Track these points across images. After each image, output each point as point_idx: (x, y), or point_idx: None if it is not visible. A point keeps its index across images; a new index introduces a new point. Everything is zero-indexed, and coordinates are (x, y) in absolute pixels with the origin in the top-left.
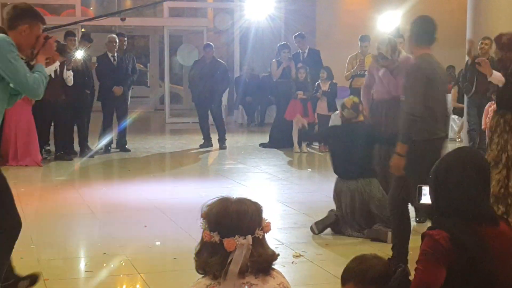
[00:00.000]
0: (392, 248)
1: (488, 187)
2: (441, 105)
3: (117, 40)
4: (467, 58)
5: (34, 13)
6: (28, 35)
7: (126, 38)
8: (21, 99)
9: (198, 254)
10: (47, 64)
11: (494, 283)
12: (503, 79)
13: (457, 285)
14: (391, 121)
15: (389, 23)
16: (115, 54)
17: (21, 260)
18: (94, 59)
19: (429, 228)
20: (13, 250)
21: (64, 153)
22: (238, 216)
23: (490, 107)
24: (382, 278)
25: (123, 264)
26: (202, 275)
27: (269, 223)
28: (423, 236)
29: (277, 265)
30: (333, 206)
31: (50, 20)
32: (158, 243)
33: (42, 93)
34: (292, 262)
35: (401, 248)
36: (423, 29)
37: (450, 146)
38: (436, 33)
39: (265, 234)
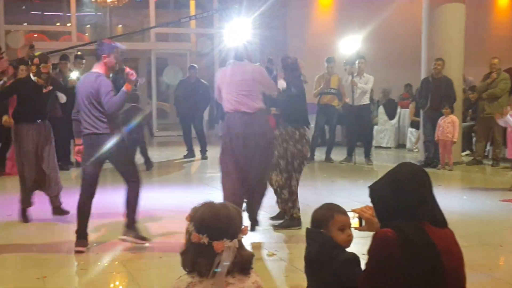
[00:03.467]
0: None
1: (431, 193)
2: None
3: None
4: (422, 76)
5: None
6: None
7: None
8: None
9: (184, 253)
10: (3, 74)
11: (442, 280)
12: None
13: (405, 284)
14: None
15: (350, 46)
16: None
17: (23, 259)
18: None
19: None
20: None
21: (62, 163)
22: (228, 221)
23: (441, 121)
24: None
25: (116, 263)
26: (185, 273)
27: (246, 226)
28: (372, 238)
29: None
30: (306, 210)
31: (50, 45)
32: (147, 244)
33: None
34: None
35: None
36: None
37: (408, 156)
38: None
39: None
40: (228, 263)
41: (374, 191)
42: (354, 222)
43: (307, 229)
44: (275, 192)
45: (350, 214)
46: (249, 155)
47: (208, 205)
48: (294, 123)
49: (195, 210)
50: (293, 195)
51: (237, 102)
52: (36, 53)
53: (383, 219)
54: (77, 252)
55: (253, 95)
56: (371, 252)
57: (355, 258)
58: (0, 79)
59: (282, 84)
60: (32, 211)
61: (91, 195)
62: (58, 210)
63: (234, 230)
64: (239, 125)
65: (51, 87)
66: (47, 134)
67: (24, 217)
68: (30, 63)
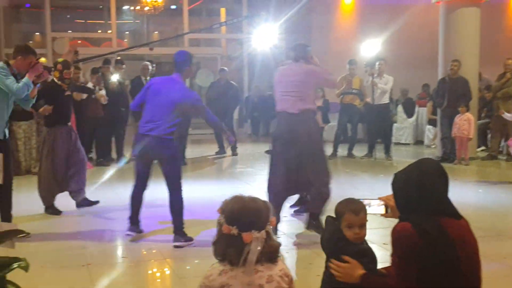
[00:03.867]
0: None
1: (447, 188)
2: None
3: (150, 66)
4: (439, 77)
5: (27, 49)
6: (22, 63)
7: (154, 65)
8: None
9: (215, 243)
10: (38, 78)
11: (458, 267)
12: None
13: (425, 272)
14: None
15: (371, 49)
16: (147, 78)
17: (70, 248)
18: (127, 82)
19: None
20: (63, 239)
21: (104, 160)
22: (255, 214)
23: (458, 119)
24: None
25: (153, 251)
26: (217, 261)
27: (274, 218)
28: (392, 232)
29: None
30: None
31: (92, 50)
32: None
33: (23, 95)
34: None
35: None
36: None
37: (426, 152)
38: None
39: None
40: (256, 253)
41: (397, 182)
42: (380, 209)
43: (327, 216)
44: None
45: (376, 202)
46: (295, 156)
47: (238, 199)
48: None
49: (226, 203)
50: None
51: (284, 102)
52: (59, 60)
53: (402, 209)
54: (127, 235)
55: (302, 96)
56: (393, 246)
57: (359, 251)
58: (37, 83)
59: None
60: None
61: (143, 187)
62: (84, 201)
63: (262, 222)
64: (284, 125)
65: (69, 93)
66: (75, 136)
67: (55, 210)
68: (53, 69)
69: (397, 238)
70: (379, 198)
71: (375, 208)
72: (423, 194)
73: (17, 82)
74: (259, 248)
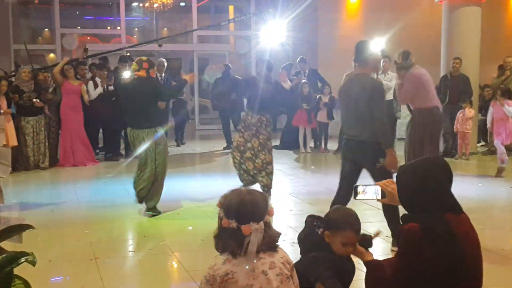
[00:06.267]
0: None
1: (451, 184)
2: None
3: (165, 64)
4: (441, 74)
5: None
6: None
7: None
8: (74, 112)
9: (217, 236)
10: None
11: (464, 264)
12: None
13: (431, 273)
14: None
15: (376, 46)
16: (162, 75)
17: (78, 242)
18: None
19: (402, 225)
20: (70, 233)
21: (112, 154)
22: (252, 206)
23: (460, 114)
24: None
25: (161, 244)
26: (220, 253)
27: (272, 208)
28: (399, 232)
29: (287, 244)
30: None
31: (101, 46)
32: (190, 227)
33: None
34: None
35: None
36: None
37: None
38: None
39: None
40: (256, 244)
41: (403, 179)
42: (377, 194)
43: (309, 217)
44: (259, 169)
45: (373, 187)
46: None
47: (235, 192)
48: (269, 112)
49: (225, 197)
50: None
51: (437, 99)
52: (143, 58)
53: (406, 205)
54: None
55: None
56: (400, 246)
57: (322, 257)
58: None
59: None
60: (88, 197)
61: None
62: None
63: (260, 214)
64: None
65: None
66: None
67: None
68: (138, 67)
69: (405, 239)
70: (377, 184)
71: (371, 193)
72: (429, 191)
73: None
74: (259, 238)
